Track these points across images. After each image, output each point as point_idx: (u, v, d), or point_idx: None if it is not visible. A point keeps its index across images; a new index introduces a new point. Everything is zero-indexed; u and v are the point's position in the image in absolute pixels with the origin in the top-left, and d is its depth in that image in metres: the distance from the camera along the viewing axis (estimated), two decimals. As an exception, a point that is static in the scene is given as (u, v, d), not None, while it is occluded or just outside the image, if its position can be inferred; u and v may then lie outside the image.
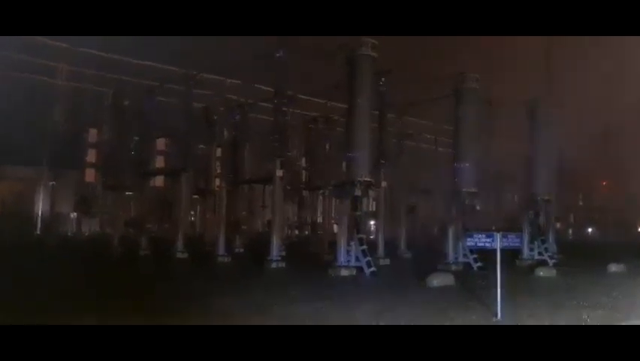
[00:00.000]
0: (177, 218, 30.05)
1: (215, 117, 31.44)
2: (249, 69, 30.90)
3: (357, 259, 20.44)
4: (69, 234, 43.42)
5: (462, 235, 22.73)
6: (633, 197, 61.28)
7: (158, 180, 41.35)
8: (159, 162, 39.37)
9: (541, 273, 20.73)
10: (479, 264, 22.73)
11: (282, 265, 22.80)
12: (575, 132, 41.58)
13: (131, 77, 33.28)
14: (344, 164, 23.16)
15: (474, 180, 24.97)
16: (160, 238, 31.42)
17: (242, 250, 30.66)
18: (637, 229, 67.90)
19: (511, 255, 21.41)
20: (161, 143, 41.51)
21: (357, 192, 20.70)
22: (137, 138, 32.67)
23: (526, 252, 26.26)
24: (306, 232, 41.36)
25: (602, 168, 55.96)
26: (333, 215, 34.56)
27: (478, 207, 28.36)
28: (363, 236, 21.32)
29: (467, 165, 24.58)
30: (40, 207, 42.70)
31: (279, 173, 24.23)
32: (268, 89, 28.25)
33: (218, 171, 31.56)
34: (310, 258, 27.22)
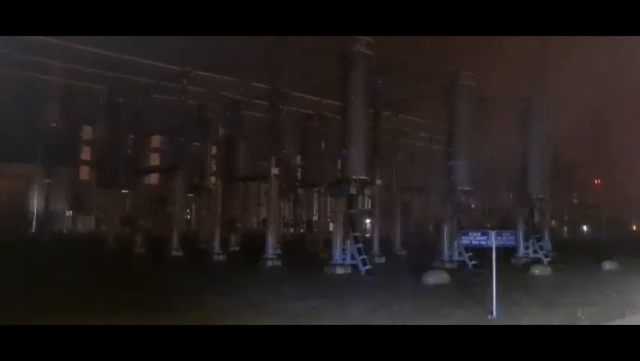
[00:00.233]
0: (172, 216, 29.97)
1: (210, 115, 31.37)
2: (244, 67, 30.81)
3: (352, 257, 20.46)
4: (64, 232, 43.31)
5: (457, 233, 22.79)
6: (627, 196, 61.70)
7: (153, 178, 41.33)
8: (154, 160, 39.36)
9: (536, 271, 20.81)
10: (474, 262, 22.79)
11: (278, 263, 22.78)
12: (569, 130, 41.70)
13: (126, 74, 33.11)
14: (339, 162, 23.16)
15: (469, 179, 25.04)
16: (155, 236, 31.34)
17: (237, 248, 30.61)
18: (631, 226, 68.38)
19: (506, 253, 21.47)
20: (155, 140, 41.51)
21: (353, 190, 20.69)
22: (131, 136, 32.58)
23: (521, 250, 26.35)
24: (302, 230, 41.37)
25: (596, 166, 56.19)
26: (328, 213, 34.60)
27: (472, 206, 28.43)
28: (359, 234, 21.35)
29: (462, 163, 24.63)
30: (35, 204, 42.59)
31: (275, 171, 24.18)
32: (263, 86, 28.18)
33: (214, 168, 31.52)
34: (306, 256, 27.23)
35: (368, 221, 35.73)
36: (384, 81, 28.72)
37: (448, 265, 22.23)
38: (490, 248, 11.51)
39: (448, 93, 25.33)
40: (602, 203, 58.27)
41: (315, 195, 38.48)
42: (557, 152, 42.45)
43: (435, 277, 17.17)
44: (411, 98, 33.09)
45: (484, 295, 12.52)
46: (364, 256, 20.49)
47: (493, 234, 11.63)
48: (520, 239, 26.20)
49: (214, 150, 32.34)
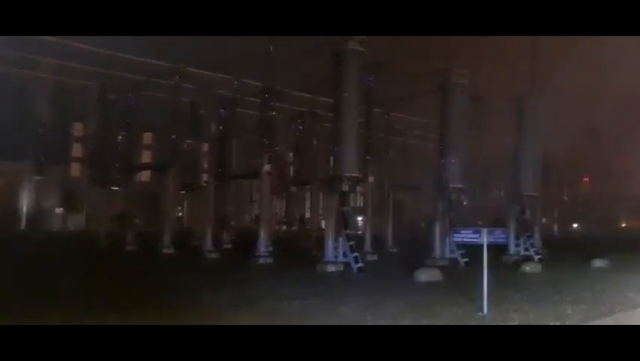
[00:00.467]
0: (164, 213, 29.87)
1: (203, 112, 31.29)
2: (236, 64, 30.76)
3: (344, 254, 20.48)
4: (54, 229, 43.04)
5: (449, 230, 22.86)
6: (617, 195, 62.17)
7: (145, 175, 41.19)
8: (146, 157, 39.21)
9: (527, 268, 20.94)
10: (466, 259, 22.88)
11: (270, 260, 22.78)
12: (561, 128, 41.93)
13: (118, 71, 32.96)
14: (332, 159, 23.16)
15: (461, 176, 25.13)
16: (147, 234, 31.23)
17: (229, 246, 30.57)
18: (620, 224, 68.90)
19: (498, 251, 21.58)
20: (147, 137, 41.36)
21: (345, 188, 20.69)
22: (123, 133, 32.43)
23: (512, 248, 26.48)
24: (294, 228, 41.35)
25: (587, 164, 56.54)
26: (320, 210, 34.60)
27: (465, 203, 28.51)
28: (351, 232, 21.37)
29: (454, 160, 24.71)
30: (25, 202, 42.27)
31: (267, 168, 24.18)
32: (256, 83, 28.15)
33: (206, 166, 31.44)
34: (298, 254, 27.22)
35: (360, 219, 35.76)
36: (378, 79, 28.76)
37: (440, 263, 22.29)
38: (482, 245, 11.58)
39: (441, 91, 25.38)
40: (592, 201, 58.62)
41: (308, 192, 38.46)
42: (549, 150, 42.72)
43: (427, 275, 17.22)
44: (404, 95, 33.16)
45: (475, 292, 12.58)
46: (356, 254, 20.51)
47: (484, 231, 11.70)
48: (512, 237, 26.34)
49: (206, 147, 32.26)
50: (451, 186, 24.38)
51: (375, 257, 25.38)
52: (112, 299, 12.25)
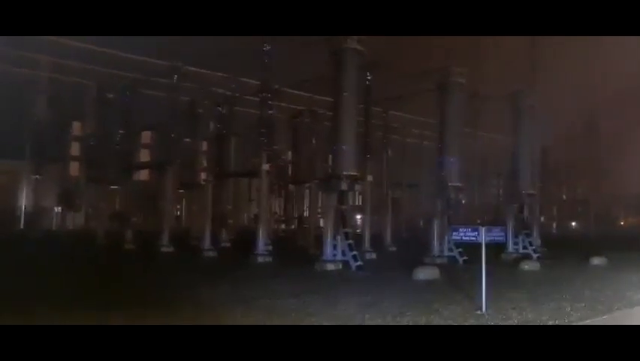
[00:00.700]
0: (163, 212, 29.87)
1: (201, 111, 31.28)
2: (235, 63, 30.71)
3: (343, 253, 20.50)
4: (53, 228, 43.00)
5: (447, 228, 22.88)
6: (616, 194, 62.28)
7: (143, 174, 41.16)
8: (144, 156, 39.18)
9: (526, 266, 20.97)
10: (465, 258, 22.92)
11: (269, 259, 22.79)
12: (559, 126, 42.00)
13: (116, 69, 32.91)
14: (330, 158, 23.17)
15: (459, 174, 25.16)
16: (145, 232, 31.23)
17: (228, 244, 30.57)
18: (619, 222, 69.05)
19: (497, 249, 21.61)
20: (146, 136, 41.32)
21: (343, 186, 20.71)
22: (121, 132, 32.40)
23: (510, 246, 26.51)
24: (293, 226, 41.37)
25: (586, 162, 56.64)
26: (319, 209, 34.62)
27: (463, 201, 28.56)
28: (349, 230, 21.38)
29: (452, 159, 24.73)
30: (24, 201, 42.25)
31: (266, 167, 24.18)
32: (254, 82, 28.13)
33: (204, 164, 31.44)
34: (297, 252, 27.24)
35: (359, 217, 35.80)
36: (376, 77, 28.76)
37: (439, 261, 22.32)
38: (480, 244, 11.59)
39: (440, 89, 25.40)
40: (590, 199, 58.74)
41: (306, 191, 38.47)
42: (548, 148, 42.81)
43: (425, 273, 17.25)
44: (402, 94, 33.18)
45: (473, 291, 12.60)
46: (355, 252, 20.54)
47: (483, 230, 11.71)
48: (510, 235, 26.39)
49: (205, 146, 32.25)
50: (449, 184, 24.40)
51: (374, 255, 25.40)
52: (109, 298, 12.24)
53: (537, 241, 28.84)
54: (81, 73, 33.82)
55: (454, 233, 12.96)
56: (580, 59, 41.30)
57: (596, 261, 22.14)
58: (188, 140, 32.07)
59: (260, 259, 22.58)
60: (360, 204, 33.24)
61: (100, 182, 32.80)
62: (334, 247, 20.51)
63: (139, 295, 13.02)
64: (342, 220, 20.89)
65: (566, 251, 28.81)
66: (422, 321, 10.23)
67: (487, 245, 11.59)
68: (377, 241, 28.72)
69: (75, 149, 41.79)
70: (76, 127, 42.48)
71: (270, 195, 31.23)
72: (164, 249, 27.12)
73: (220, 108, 32.01)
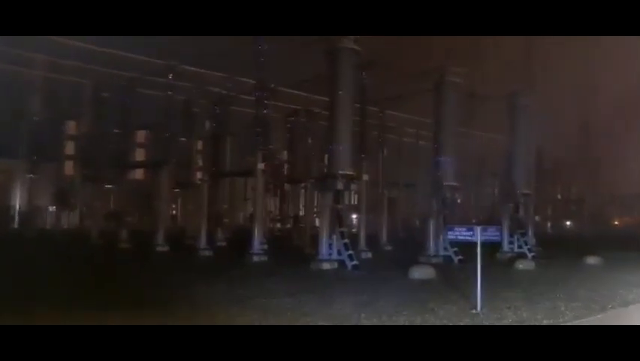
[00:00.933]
0: (158, 211, 29.81)
1: (197, 110, 31.23)
2: (230, 62, 30.66)
3: (339, 252, 20.51)
4: (47, 227, 42.83)
5: (443, 228, 22.93)
6: (610, 194, 62.49)
7: (139, 173, 41.00)
8: (139, 155, 39.04)
9: (521, 266, 21.04)
10: (460, 257, 22.97)
11: (264, 258, 22.78)
12: (554, 126, 42.11)
13: (111, 68, 32.80)
14: (326, 157, 23.17)
15: (455, 174, 25.21)
16: (140, 232, 31.15)
17: (224, 244, 30.54)
18: (613, 221, 69.31)
19: (492, 248, 21.67)
20: (141, 135, 41.18)
21: (339, 186, 20.73)
22: (116, 131, 32.31)
23: (506, 245, 26.58)
24: (288, 226, 41.34)
25: (581, 162, 56.83)
26: (315, 208, 34.61)
27: (459, 201, 28.61)
28: (345, 230, 21.38)
29: (448, 158, 24.78)
30: (18, 200, 42.08)
31: (261, 166, 24.16)
32: (250, 81, 28.08)
33: (200, 163, 31.38)
34: (292, 251, 27.23)
35: (355, 216, 35.82)
36: (372, 77, 28.78)
37: (434, 260, 22.36)
38: (476, 243, 11.63)
39: (436, 89, 25.43)
40: (585, 199, 58.92)
41: (302, 190, 38.45)
42: (543, 148, 42.94)
43: (421, 272, 17.28)
44: (399, 94, 33.21)
45: (469, 290, 12.63)
46: (351, 252, 20.55)
47: (478, 229, 11.74)
48: (505, 234, 26.46)
49: (200, 145, 32.19)
50: (445, 184, 24.44)
51: (369, 255, 25.40)
52: (104, 298, 12.21)
53: (532, 240, 28.91)
54: (76, 72, 33.68)
55: (450, 232, 12.99)
56: (576, 59, 41.45)
57: (591, 260, 22.23)
58: (183, 139, 32.02)
59: (255, 259, 22.56)
60: (356, 203, 33.25)
61: (95, 181, 32.72)
62: (330, 246, 20.52)
63: (134, 295, 12.99)
64: (338, 220, 20.90)
65: (561, 250, 28.92)
66: (418, 320, 10.25)
67: (482, 244, 11.63)
68: (373, 241, 28.76)
69: (70, 148, 41.59)
70: (71, 126, 42.30)
71: (266, 195, 31.19)
72: (159, 248, 27.07)
73: (216, 107, 31.95)
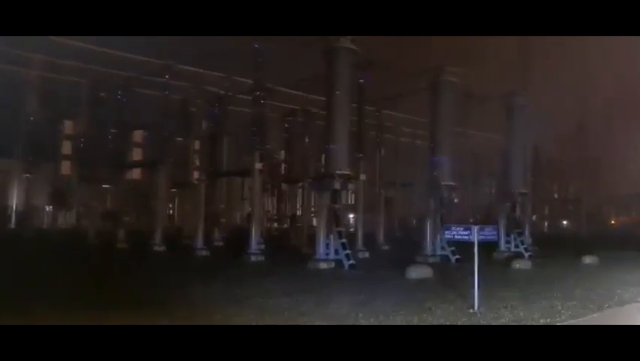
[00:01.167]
0: (155, 211, 29.76)
1: (194, 109, 31.19)
2: (228, 61, 30.66)
3: (336, 252, 20.51)
4: (44, 227, 42.77)
5: (440, 227, 22.97)
6: (607, 193, 62.65)
7: (136, 173, 40.98)
8: (137, 155, 39.01)
9: (518, 265, 21.08)
10: (457, 256, 23.00)
11: (261, 258, 22.76)
12: (551, 125, 42.21)
13: (109, 68, 32.74)
14: (323, 157, 23.17)
15: (452, 174, 25.24)
16: (137, 231, 31.11)
17: (221, 244, 30.51)
18: (610, 221, 69.49)
19: (489, 248, 21.70)
20: (138, 135, 41.14)
21: (336, 185, 20.73)
22: (113, 130, 32.26)
23: (502, 245, 26.63)
24: (286, 225, 41.35)
25: (578, 162, 56.95)
26: (312, 208, 34.62)
27: (456, 200, 28.65)
28: (342, 229, 21.39)
29: (445, 158, 24.80)
30: (15, 199, 42.00)
31: (258, 165, 24.14)
32: (247, 81, 28.07)
33: (197, 163, 31.35)
34: (289, 251, 27.22)
35: (352, 216, 35.85)
36: (369, 76, 28.78)
37: (431, 260, 22.39)
38: (473, 243, 11.64)
39: (433, 89, 25.44)
40: (582, 198, 59.04)
41: (299, 190, 38.46)
42: (540, 148, 43.02)
43: (418, 272, 17.30)
44: (396, 94, 33.24)
45: (466, 289, 12.66)
46: (348, 251, 20.56)
47: (475, 229, 11.76)
48: (502, 234, 26.50)
49: (197, 144, 32.15)
50: (442, 183, 24.46)
51: (366, 254, 25.43)
52: (102, 298, 12.19)
53: (529, 239, 29.00)
54: (73, 71, 33.62)
55: (447, 232, 13.01)
56: (573, 59, 41.53)
57: (588, 260, 22.29)
58: (180, 139, 31.97)
59: (252, 258, 22.55)
60: (353, 203, 33.26)
61: (92, 181, 32.64)
62: (327, 245, 20.53)
63: (131, 295, 12.97)
64: (335, 219, 20.90)
65: (558, 250, 28.98)
66: (415, 320, 10.26)
67: (479, 244, 11.64)
68: (370, 240, 28.77)
69: (67, 147, 41.54)
70: (68, 125, 42.26)
71: (263, 194, 31.20)
72: (156, 248, 27.03)
73: (213, 107, 31.93)
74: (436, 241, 23.93)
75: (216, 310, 10.92)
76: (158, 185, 29.53)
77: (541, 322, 10.32)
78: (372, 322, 9.96)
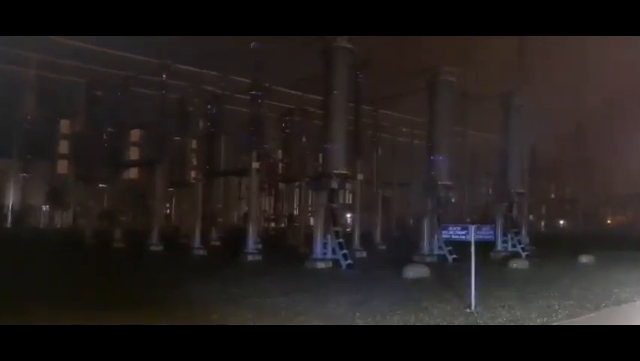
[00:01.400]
0: (152, 210, 29.72)
1: (191, 109, 31.15)
2: (225, 61, 30.62)
3: (333, 251, 20.51)
4: (41, 226, 42.67)
5: (437, 227, 22.99)
6: (603, 193, 62.84)
7: (133, 172, 40.91)
8: (134, 154, 38.95)
9: (515, 265, 21.11)
10: (454, 256, 23.02)
11: (258, 257, 22.75)
12: (549, 125, 42.26)
13: (106, 67, 32.69)
14: (320, 156, 23.16)
15: (449, 173, 25.27)
16: (134, 231, 31.05)
17: (218, 243, 30.48)
18: (606, 221, 69.70)
19: (486, 247, 21.73)
20: (135, 134, 41.09)
21: (334, 185, 20.72)
22: (110, 129, 32.19)
23: (499, 244, 26.66)
24: (283, 225, 41.34)
25: (575, 162, 57.10)
26: (309, 207, 34.62)
27: (453, 200, 28.67)
28: (340, 229, 21.39)
29: (442, 157, 24.82)
30: (11, 198, 41.91)
31: (256, 165, 24.12)
32: (245, 80, 28.05)
33: (194, 162, 31.30)
34: (287, 251, 27.22)
35: (349, 216, 35.87)
36: (366, 76, 28.79)
37: (428, 259, 22.41)
38: (470, 242, 11.65)
39: (430, 88, 25.46)
40: (579, 198, 59.23)
41: (297, 189, 38.47)
42: (537, 147, 43.08)
43: (415, 271, 17.31)
44: (393, 93, 33.25)
45: (463, 289, 12.66)
46: (345, 251, 20.55)
47: (472, 228, 11.77)
48: (499, 234, 26.54)
49: (195, 144, 32.11)
50: (439, 183, 24.48)
51: (364, 254, 25.45)
52: (99, 298, 12.17)
53: (526, 239, 29.05)
54: (70, 70, 33.57)
55: (444, 232, 13.02)
56: (571, 59, 41.60)
57: (584, 259, 22.35)
58: (178, 138, 31.93)
59: (250, 258, 22.53)
60: (351, 202, 33.28)
61: (89, 180, 32.56)
62: (324, 245, 20.52)
63: (129, 295, 12.95)
64: (333, 219, 20.90)
65: (555, 249, 29.05)
66: (412, 319, 10.26)
67: (476, 244, 11.66)
68: (367, 240, 28.79)
69: (64, 147, 41.46)
70: (64, 125, 42.18)
71: (260, 194, 31.17)
72: (153, 248, 26.99)
73: (210, 106, 31.89)
74: (433, 240, 23.96)
75: (213, 309, 10.90)
76: (156, 184, 29.48)
77: (538, 321, 10.33)
78: (369, 321, 9.96)
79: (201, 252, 25.74)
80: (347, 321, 9.96)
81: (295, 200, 39.87)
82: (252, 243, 23.32)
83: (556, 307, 11.77)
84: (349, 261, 20.24)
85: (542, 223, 60.51)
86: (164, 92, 29.18)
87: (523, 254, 25.55)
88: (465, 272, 12.03)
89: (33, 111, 39.58)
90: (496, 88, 30.32)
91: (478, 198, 49.05)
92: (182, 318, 9.86)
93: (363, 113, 30.69)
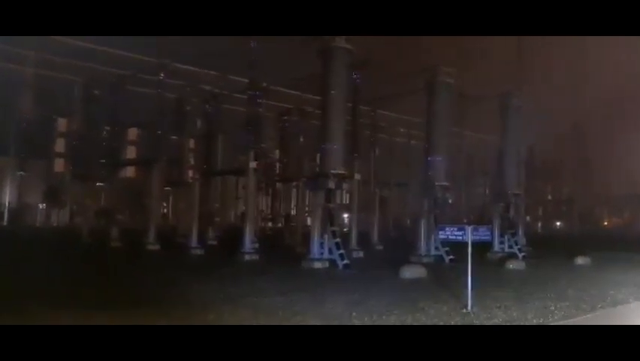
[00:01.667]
0: (149, 210, 29.68)
1: (189, 108, 31.13)
2: (223, 60, 30.62)
3: (330, 251, 20.52)
4: (37, 225, 42.57)
5: (434, 227, 23.01)
6: (600, 195, 63.04)
7: (130, 171, 40.88)
8: (131, 153, 38.93)
9: (511, 266, 21.14)
10: (451, 257, 23.05)
11: (255, 257, 22.74)
12: (546, 127, 42.36)
13: (103, 66, 32.63)
14: (318, 156, 23.17)
15: (446, 174, 25.29)
16: (131, 230, 30.99)
17: (215, 242, 30.46)
18: (603, 222, 69.89)
19: (482, 248, 21.75)
20: (132, 133, 41.05)
21: (331, 185, 20.73)
22: (108, 128, 32.15)
23: (496, 245, 26.70)
24: (280, 225, 41.33)
25: (572, 163, 57.27)
26: (306, 207, 34.62)
27: (450, 201, 28.70)
28: (337, 229, 21.40)
29: (439, 158, 24.84)
30: (8, 197, 41.82)
31: (253, 164, 24.12)
32: (243, 80, 28.03)
33: (191, 162, 31.28)
34: (284, 250, 27.20)
35: (346, 216, 35.88)
36: (364, 76, 28.81)
37: (425, 260, 22.43)
38: (466, 243, 11.67)
39: (427, 89, 25.48)
40: (575, 199, 59.39)
41: (294, 189, 38.46)
42: (534, 148, 43.17)
43: (412, 272, 17.33)
44: (391, 94, 33.28)
45: (459, 289, 12.69)
46: (342, 251, 20.56)
47: (469, 229, 11.79)
48: (496, 234, 26.57)
49: (192, 143, 32.09)
50: (436, 183, 24.51)
51: (361, 254, 25.45)
52: (96, 297, 12.16)
53: (522, 240, 29.08)
54: (68, 69, 33.50)
55: (441, 232, 13.05)
56: (569, 60, 41.69)
57: (580, 260, 22.40)
58: (175, 137, 31.89)
59: (247, 257, 22.53)
60: (348, 202, 33.29)
61: (85, 179, 32.51)
62: (321, 245, 20.54)
63: (126, 294, 12.93)
64: (330, 219, 20.91)
65: (551, 251, 29.09)
66: (408, 319, 10.28)
67: (473, 244, 11.67)
68: (364, 240, 28.79)
69: (61, 145, 41.42)
70: (61, 123, 42.13)
71: (258, 194, 31.14)
72: (150, 247, 26.96)
73: (208, 106, 31.87)
74: (430, 241, 23.97)
75: (211, 309, 10.90)
76: (153, 183, 29.45)
77: (535, 322, 10.36)
78: (366, 321, 9.97)
79: (198, 251, 25.72)
80: (344, 321, 9.97)
81: (292, 200, 39.90)
82: (249, 242, 23.31)
83: (553, 308, 11.79)
84: (346, 261, 20.25)
85: (539, 224, 60.61)
86: (160, 90, 29.14)
87: (520, 255, 25.58)
88: (462, 273, 12.04)
89: (30, 110, 39.47)
90: (495, 88, 30.37)
91: (475, 199, 49.11)
92: (179, 317, 9.86)
93: (361, 114, 30.70)
